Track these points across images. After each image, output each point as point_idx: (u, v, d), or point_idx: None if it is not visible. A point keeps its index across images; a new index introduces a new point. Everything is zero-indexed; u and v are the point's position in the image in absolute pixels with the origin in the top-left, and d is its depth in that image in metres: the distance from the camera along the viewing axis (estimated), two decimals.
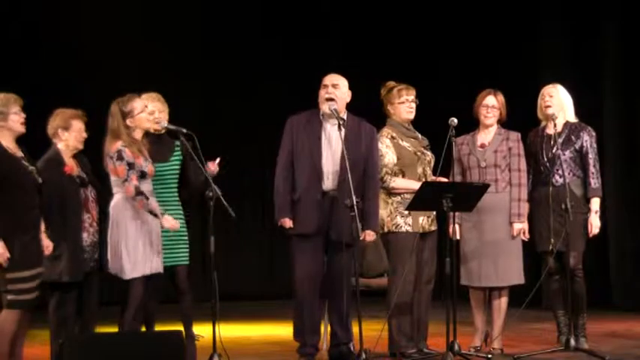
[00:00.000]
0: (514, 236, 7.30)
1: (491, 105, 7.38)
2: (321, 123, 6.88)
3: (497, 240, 7.29)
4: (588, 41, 10.55)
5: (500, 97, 7.43)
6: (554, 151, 7.27)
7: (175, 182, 6.99)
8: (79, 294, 6.78)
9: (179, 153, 7.00)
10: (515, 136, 7.41)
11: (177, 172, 7.00)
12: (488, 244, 7.27)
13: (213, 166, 6.93)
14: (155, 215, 6.55)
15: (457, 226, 7.15)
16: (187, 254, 6.97)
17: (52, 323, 6.76)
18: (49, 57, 10.99)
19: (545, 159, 7.30)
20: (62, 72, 10.95)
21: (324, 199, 6.77)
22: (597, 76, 10.41)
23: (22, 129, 6.37)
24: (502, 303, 7.38)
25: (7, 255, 6.11)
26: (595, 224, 7.31)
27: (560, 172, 7.24)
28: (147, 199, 6.53)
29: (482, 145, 7.37)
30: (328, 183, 6.80)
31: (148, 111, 6.79)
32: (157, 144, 6.89)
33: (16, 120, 6.32)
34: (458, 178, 7.23)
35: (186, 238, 6.95)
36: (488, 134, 7.42)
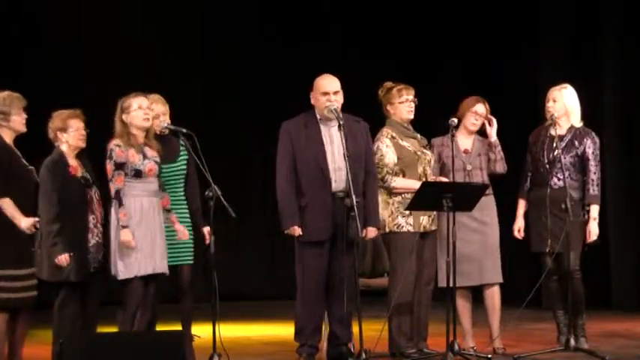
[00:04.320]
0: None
1: (480, 112, 7.38)
2: (319, 126, 6.88)
3: (484, 240, 7.30)
4: (588, 41, 10.55)
5: (487, 106, 7.42)
6: (555, 153, 7.27)
7: (181, 183, 6.98)
8: (82, 294, 6.79)
9: (185, 153, 6.98)
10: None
11: (184, 172, 7.00)
12: (474, 245, 7.27)
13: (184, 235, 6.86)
14: (122, 227, 6.50)
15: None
16: (192, 254, 6.96)
17: (55, 323, 6.77)
18: (49, 57, 10.99)
19: (546, 160, 7.30)
20: (62, 72, 10.95)
21: (332, 201, 6.77)
22: (597, 76, 10.41)
23: (23, 128, 6.39)
24: (495, 302, 7.37)
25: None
26: (594, 232, 7.32)
27: (559, 175, 7.25)
28: (120, 205, 6.49)
29: (466, 151, 7.39)
30: (335, 185, 6.79)
31: (153, 114, 6.79)
32: (164, 144, 6.90)
33: (18, 120, 6.34)
34: (437, 178, 7.22)
35: (191, 237, 6.91)
36: (468, 139, 7.42)
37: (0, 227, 6.21)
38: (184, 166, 6.99)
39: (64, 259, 6.45)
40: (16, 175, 6.29)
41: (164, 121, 6.87)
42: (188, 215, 6.96)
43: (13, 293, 6.23)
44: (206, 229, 6.85)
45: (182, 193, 6.97)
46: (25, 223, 6.28)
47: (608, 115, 10.33)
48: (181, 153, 6.98)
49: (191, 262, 6.96)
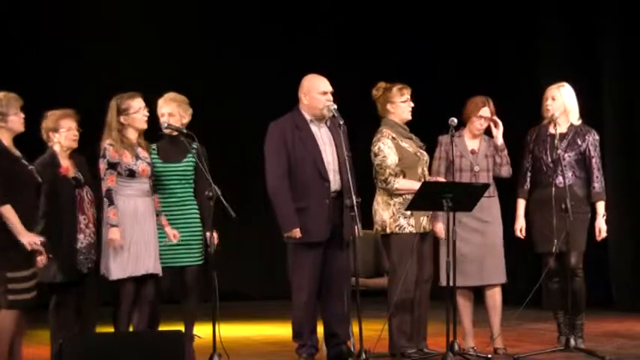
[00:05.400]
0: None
1: (485, 116, 7.36)
2: (310, 126, 6.86)
3: (487, 241, 7.28)
4: (588, 41, 10.55)
5: (492, 105, 7.40)
6: (558, 152, 7.26)
7: (190, 183, 6.97)
8: (79, 294, 6.78)
9: (192, 155, 6.94)
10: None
11: (192, 172, 6.97)
12: (475, 245, 7.26)
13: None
14: (111, 225, 6.48)
15: (442, 225, 7.12)
16: (201, 254, 6.95)
17: (52, 323, 6.77)
18: (49, 57, 10.99)
19: (550, 159, 7.29)
20: (62, 72, 10.95)
21: (330, 202, 6.76)
22: (597, 76, 10.41)
23: (21, 128, 6.37)
24: (497, 302, 7.37)
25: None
26: (603, 228, 7.33)
27: (563, 173, 7.24)
28: (110, 204, 6.48)
29: (473, 151, 7.38)
30: (333, 185, 6.79)
31: (159, 113, 6.81)
32: (172, 145, 6.90)
33: (16, 120, 6.32)
34: (441, 176, 7.23)
35: (201, 238, 6.91)
36: (475, 140, 7.41)
37: (8, 230, 6.19)
38: (190, 168, 6.96)
39: (40, 260, 6.43)
40: (18, 176, 6.27)
41: (164, 122, 6.87)
42: (198, 215, 6.95)
43: (21, 294, 6.21)
44: (208, 235, 6.81)
45: (189, 194, 6.96)
46: (26, 238, 6.22)
47: (607, 115, 10.32)
48: (189, 155, 6.96)
49: (200, 262, 6.94)
